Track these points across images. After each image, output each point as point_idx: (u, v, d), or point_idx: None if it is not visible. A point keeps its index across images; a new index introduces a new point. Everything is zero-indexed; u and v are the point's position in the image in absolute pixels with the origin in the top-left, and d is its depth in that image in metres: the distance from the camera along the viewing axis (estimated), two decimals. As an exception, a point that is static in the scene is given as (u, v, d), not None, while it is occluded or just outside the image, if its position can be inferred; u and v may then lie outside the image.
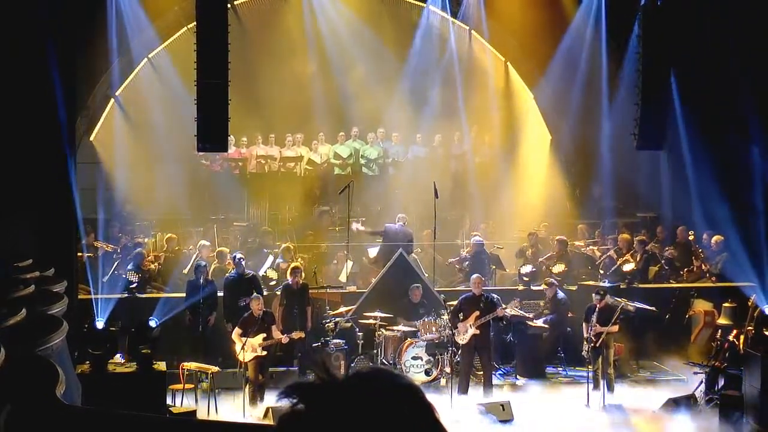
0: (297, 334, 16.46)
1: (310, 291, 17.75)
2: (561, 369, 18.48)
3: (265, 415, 14.42)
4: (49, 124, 15.09)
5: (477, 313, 16.36)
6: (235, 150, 23.43)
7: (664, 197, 22.22)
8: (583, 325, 16.59)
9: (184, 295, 17.54)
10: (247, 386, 15.65)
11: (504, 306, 16.85)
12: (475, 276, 17.18)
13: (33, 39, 14.98)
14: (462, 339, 16.35)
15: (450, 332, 16.55)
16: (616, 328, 16.30)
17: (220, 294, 17.82)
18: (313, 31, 23.67)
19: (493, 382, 16.78)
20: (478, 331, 16.31)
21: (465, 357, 16.48)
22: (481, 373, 16.72)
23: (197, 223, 22.54)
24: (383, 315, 17.33)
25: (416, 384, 1.75)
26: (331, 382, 1.69)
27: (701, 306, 18.97)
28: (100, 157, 22.64)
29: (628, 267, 19.91)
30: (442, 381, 16.82)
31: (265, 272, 19.23)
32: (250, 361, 15.66)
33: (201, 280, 17.28)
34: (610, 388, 16.24)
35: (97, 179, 21.73)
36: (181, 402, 15.25)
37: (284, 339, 16.21)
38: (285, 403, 1.68)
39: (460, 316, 16.51)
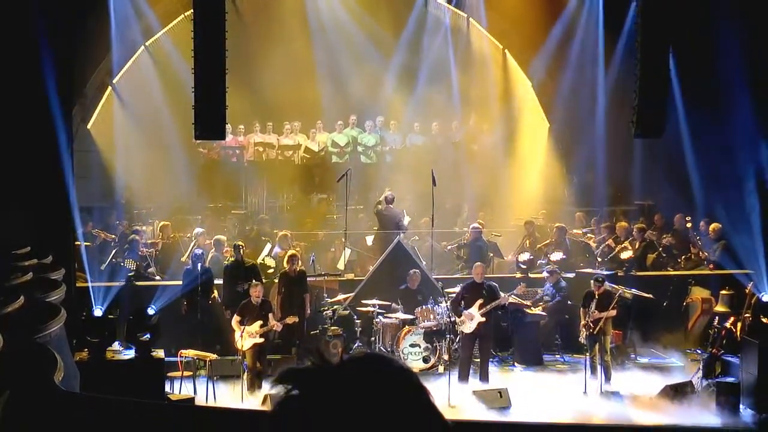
0: (290, 319, 16.46)
1: (307, 278, 17.76)
2: (558, 356, 18.50)
3: (264, 402, 14.45)
4: (44, 112, 15.06)
5: (480, 300, 16.37)
6: (233, 138, 23.42)
7: (662, 185, 22.22)
8: (581, 311, 16.61)
9: (181, 282, 17.55)
10: (246, 373, 15.67)
11: (506, 294, 16.87)
12: (477, 264, 17.17)
13: (26, 27, 14.94)
14: (468, 328, 16.33)
15: (449, 320, 16.56)
16: (614, 312, 16.31)
17: (217, 282, 17.85)
18: (311, 19, 23.67)
19: (491, 369, 16.80)
20: (484, 319, 16.32)
21: (466, 345, 16.48)
22: (478, 360, 16.73)
23: (195, 211, 22.53)
24: (381, 302, 17.36)
25: (410, 367, 1.77)
26: (325, 368, 1.70)
27: (699, 293, 18.99)
28: (98, 144, 22.62)
29: (626, 254, 19.93)
30: (440, 368, 16.86)
31: (263, 260, 19.24)
32: (248, 349, 15.68)
33: (198, 268, 17.29)
34: (608, 375, 16.26)
35: (94, 167, 21.71)
36: (179, 389, 15.28)
37: (277, 326, 16.20)
38: (280, 390, 1.69)
39: (462, 304, 16.51)
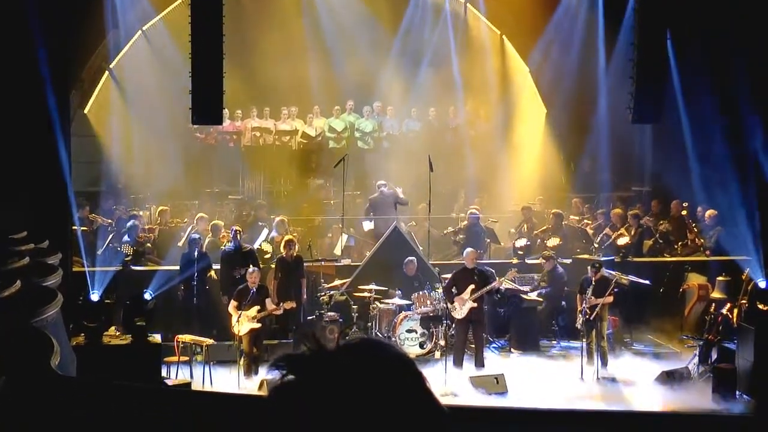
0: (288, 304, 16.47)
1: (304, 264, 17.78)
2: (555, 342, 18.53)
3: (260, 387, 14.46)
4: (41, 97, 15.02)
5: (472, 286, 16.36)
6: (230, 123, 23.37)
7: (659, 171, 22.21)
8: (578, 297, 16.64)
9: (178, 267, 17.56)
10: (242, 359, 15.69)
11: (500, 278, 16.88)
12: (469, 250, 17.15)
13: (23, 8, 14.88)
14: (459, 314, 16.33)
15: (445, 305, 16.57)
16: (611, 298, 16.32)
17: (215, 267, 17.86)
18: (309, 4, 23.62)
19: (487, 355, 16.81)
20: (476, 305, 16.31)
21: (460, 331, 16.48)
22: (474, 346, 16.73)
23: (192, 196, 22.53)
24: (378, 288, 17.37)
25: (407, 354, 1.76)
26: (321, 353, 1.69)
27: (695, 280, 19.02)
28: (95, 129, 22.59)
29: (623, 241, 19.94)
30: (437, 354, 16.87)
31: (260, 245, 19.24)
32: (245, 334, 15.69)
33: (195, 254, 17.29)
34: (604, 361, 16.30)
35: (91, 152, 21.68)
36: (176, 374, 15.29)
37: (277, 310, 16.22)
38: (275, 375, 1.69)
39: (454, 290, 16.51)
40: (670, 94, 19.80)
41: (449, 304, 16.47)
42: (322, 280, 17.83)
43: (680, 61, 20.28)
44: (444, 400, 1.73)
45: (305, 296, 17.55)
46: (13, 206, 14.19)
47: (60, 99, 15.55)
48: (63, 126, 15.69)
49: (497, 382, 15.11)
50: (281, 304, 16.43)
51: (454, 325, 16.63)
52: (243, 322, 15.65)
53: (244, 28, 22.14)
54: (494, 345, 18.14)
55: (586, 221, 21.59)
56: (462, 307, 16.30)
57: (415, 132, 24.48)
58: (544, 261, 18.69)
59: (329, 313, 17.08)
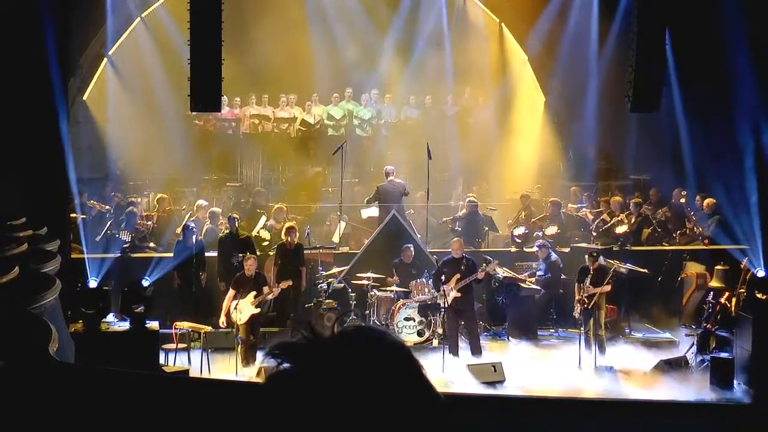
0: (285, 283, 16.48)
1: (304, 251, 17.79)
2: (552, 330, 18.54)
3: (258, 374, 14.48)
4: (41, 83, 15.00)
5: (458, 275, 16.38)
6: (228, 110, 23.34)
7: (657, 159, 22.18)
8: (576, 286, 16.64)
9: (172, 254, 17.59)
10: (240, 346, 15.69)
11: (482, 269, 16.81)
12: (455, 240, 17.21)
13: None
14: (445, 302, 16.37)
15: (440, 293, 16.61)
16: (608, 287, 16.33)
17: (209, 254, 17.87)
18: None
19: (485, 343, 16.82)
20: (459, 294, 16.32)
21: (451, 320, 16.51)
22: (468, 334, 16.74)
23: (190, 183, 22.52)
24: (376, 276, 17.37)
25: (403, 341, 1.75)
26: (317, 341, 1.69)
27: (693, 268, 19.02)
28: (93, 116, 22.54)
29: (621, 229, 19.93)
30: (434, 342, 16.87)
31: (258, 232, 19.25)
32: (244, 323, 15.69)
33: (193, 240, 17.27)
34: (602, 350, 16.31)
35: (90, 138, 21.65)
36: (174, 361, 15.30)
37: (273, 292, 16.18)
38: (271, 363, 1.68)
39: (442, 278, 16.53)
40: (668, 83, 19.75)
41: (436, 293, 16.56)
42: (320, 268, 17.82)
43: (680, 48, 20.21)
44: (441, 388, 1.72)
45: (304, 284, 17.59)
46: (12, 192, 14.16)
47: (60, 85, 15.53)
48: (62, 112, 15.66)
49: (495, 371, 15.11)
50: (278, 284, 16.44)
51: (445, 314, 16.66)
52: (243, 310, 15.66)
53: (243, 15, 22.09)
54: (491, 333, 18.15)
55: (585, 209, 21.57)
56: (447, 296, 16.32)
57: (413, 119, 24.49)
58: (537, 249, 18.68)
59: (327, 301, 17.09)
